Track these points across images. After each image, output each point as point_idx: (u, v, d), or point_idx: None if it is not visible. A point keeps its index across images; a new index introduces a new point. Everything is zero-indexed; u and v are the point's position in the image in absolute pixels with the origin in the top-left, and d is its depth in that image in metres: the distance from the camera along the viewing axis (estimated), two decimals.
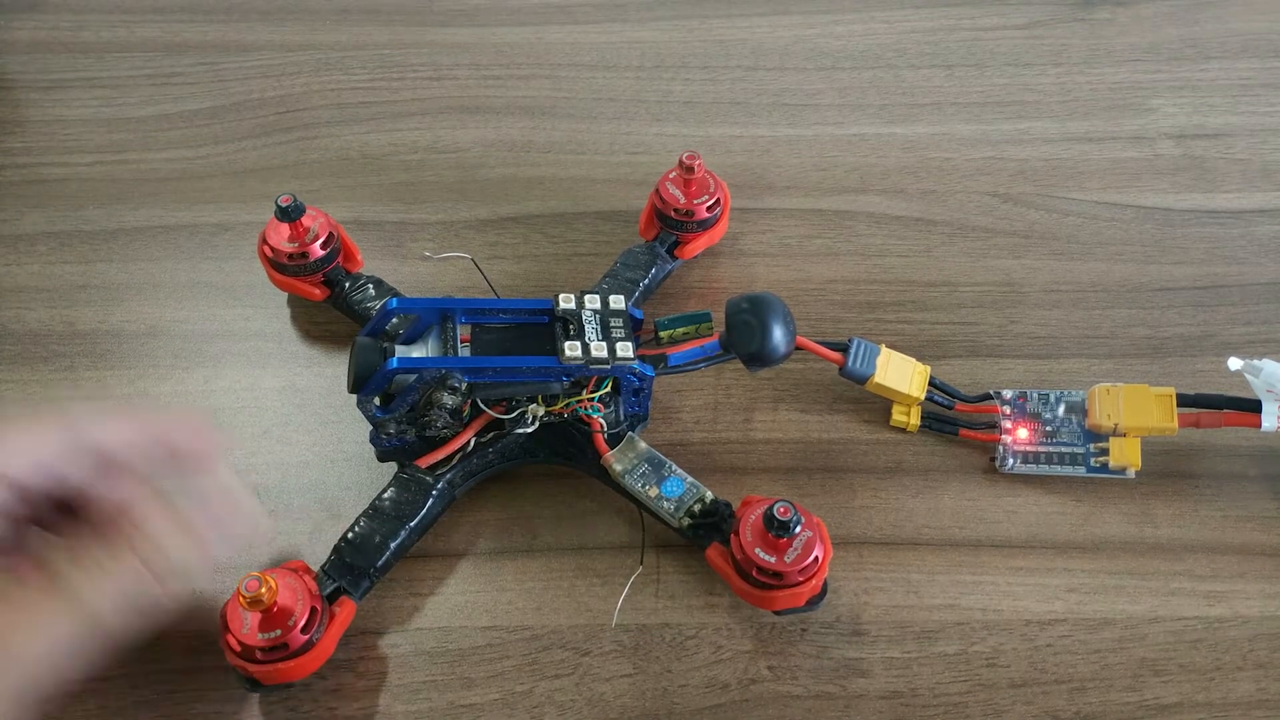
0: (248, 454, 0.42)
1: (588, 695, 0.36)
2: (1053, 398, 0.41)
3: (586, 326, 0.38)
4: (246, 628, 0.33)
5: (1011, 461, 0.40)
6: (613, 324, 0.39)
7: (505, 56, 0.57)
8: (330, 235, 0.43)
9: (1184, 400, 0.39)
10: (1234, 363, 0.38)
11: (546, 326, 0.39)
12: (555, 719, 0.36)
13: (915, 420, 0.42)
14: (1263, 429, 0.38)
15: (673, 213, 0.45)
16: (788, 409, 0.43)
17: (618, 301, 0.40)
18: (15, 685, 0.26)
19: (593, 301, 0.39)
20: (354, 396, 0.38)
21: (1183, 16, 0.59)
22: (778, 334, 0.36)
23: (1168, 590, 0.38)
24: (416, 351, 0.39)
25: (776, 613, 0.37)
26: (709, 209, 0.45)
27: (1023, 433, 0.41)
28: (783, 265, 0.48)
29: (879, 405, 0.43)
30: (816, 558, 0.35)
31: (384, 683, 0.36)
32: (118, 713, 0.36)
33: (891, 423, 0.42)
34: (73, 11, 0.59)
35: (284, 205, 0.42)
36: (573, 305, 0.39)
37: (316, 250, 0.43)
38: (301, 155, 0.53)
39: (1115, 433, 0.39)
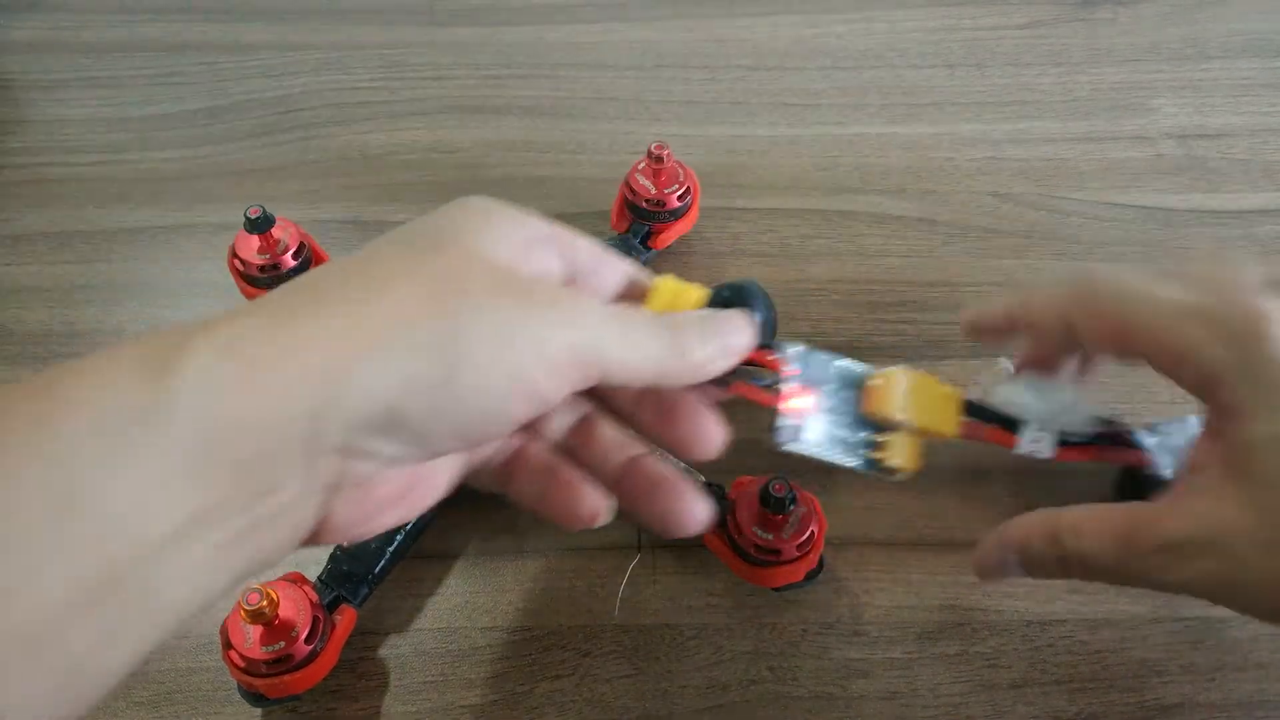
0: None
1: (587, 696, 0.36)
2: (833, 367, 0.33)
3: None
4: (249, 642, 0.33)
5: (791, 433, 0.31)
6: None
7: (505, 56, 0.57)
8: (301, 245, 0.43)
9: (965, 408, 0.34)
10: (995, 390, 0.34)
11: None
12: None
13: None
14: (1015, 450, 0.34)
15: (644, 203, 0.45)
16: None
17: None
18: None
19: None
20: None
21: (1184, 16, 0.59)
22: (759, 320, 0.36)
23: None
24: None
25: (776, 589, 0.37)
26: (679, 198, 0.45)
27: (802, 400, 0.32)
28: (783, 265, 0.48)
29: None
30: (813, 532, 0.36)
31: (384, 684, 0.36)
32: (117, 713, 0.36)
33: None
34: (73, 11, 0.59)
35: (253, 217, 0.41)
36: None
37: (288, 261, 0.43)
38: (301, 155, 0.52)
39: (898, 426, 0.32)
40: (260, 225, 0.42)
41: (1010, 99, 0.55)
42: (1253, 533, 0.27)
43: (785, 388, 0.32)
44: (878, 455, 0.32)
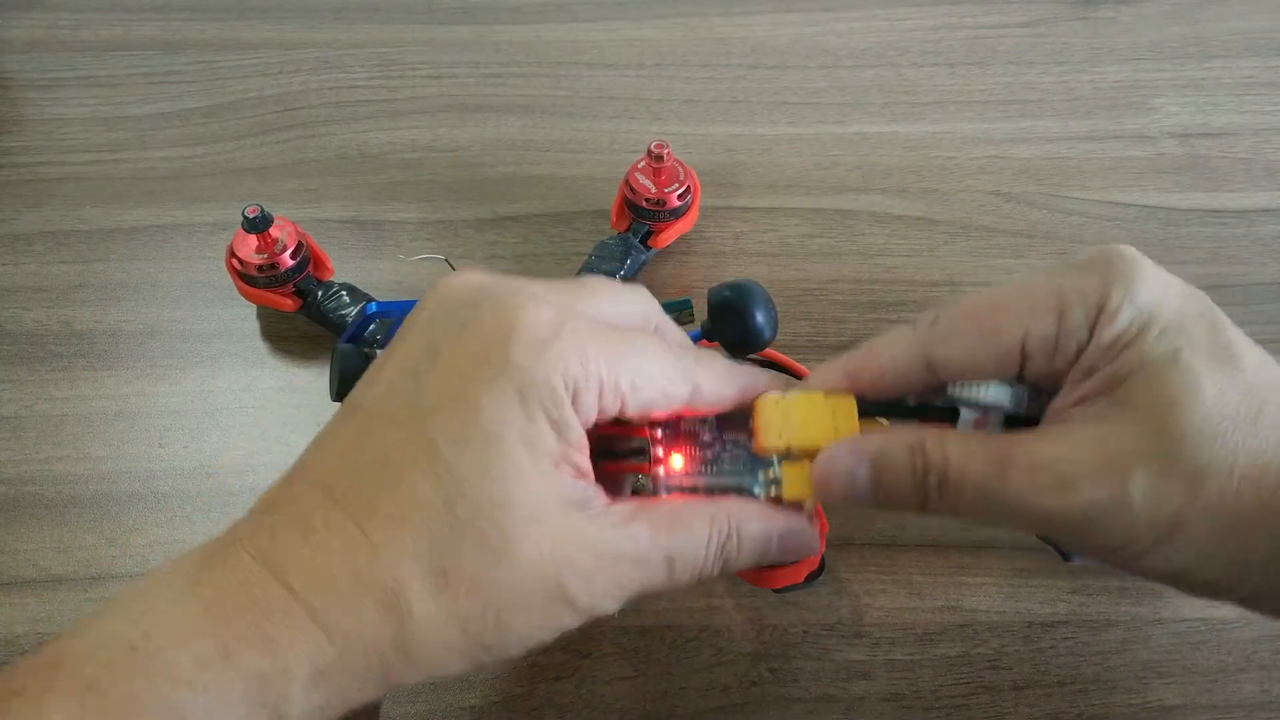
0: (245, 455, 0.42)
1: (587, 697, 0.36)
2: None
3: None
4: None
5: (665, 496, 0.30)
6: None
7: (505, 55, 0.57)
8: (299, 245, 0.43)
9: (867, 409, 0.30)
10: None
11: None
12: None
13: None
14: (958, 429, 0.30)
15: (644, 202, 0.45)
16: None
17: None
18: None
19: None
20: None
21: (1185, 15, 0.59)
22: (760, 319, 0.36)
23: (1171, 591, 0.38)
24: None
25: (776, 591, 0.37)
26: (679, 197, 0.45)
27: (677, 460, 0.31)
28: (784, 265, 0.48)
29: None
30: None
31: None
32: None
33: None
34: (71, 10, 0.59)
35: (251, 216, 0.41)
36: None
37: (286, 260, 0.43)
38: (299, 154, 0.52)
39: (788, 455, 0.30)
40: (258, 224, 0.41)
41: (1012, 98, 0.55)
42: (1149, 454, 0.25)
43: (655, 451, 0.31)
44: (775, 493, 0.30)
